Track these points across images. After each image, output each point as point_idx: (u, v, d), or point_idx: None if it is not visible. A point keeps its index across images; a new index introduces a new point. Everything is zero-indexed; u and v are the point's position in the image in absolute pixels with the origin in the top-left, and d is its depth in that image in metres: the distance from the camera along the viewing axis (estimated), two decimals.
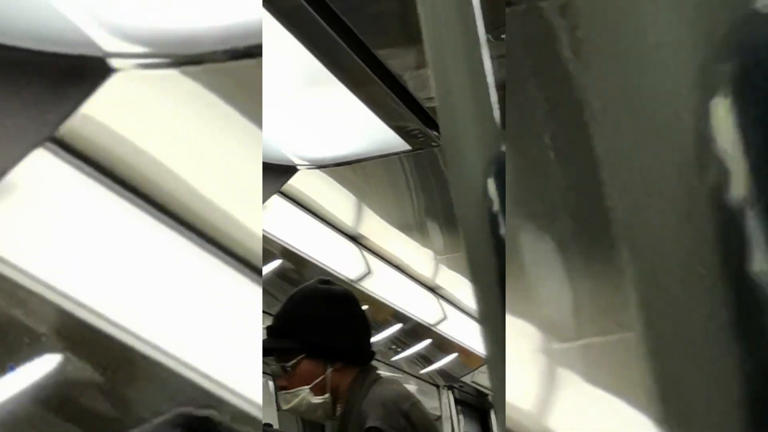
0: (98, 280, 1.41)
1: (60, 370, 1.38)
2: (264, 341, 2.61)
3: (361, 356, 2.60)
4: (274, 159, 3.27)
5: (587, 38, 1.19)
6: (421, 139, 3.24)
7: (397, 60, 2.70)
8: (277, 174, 3.42)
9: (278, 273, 4.19)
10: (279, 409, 4.18)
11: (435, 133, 3.16)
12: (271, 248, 3.91)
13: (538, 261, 1.52)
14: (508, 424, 1.61)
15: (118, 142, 1.40)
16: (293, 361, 2.53)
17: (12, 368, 1.39)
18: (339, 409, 2.53)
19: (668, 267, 1.23)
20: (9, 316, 1.36)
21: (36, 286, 1.36)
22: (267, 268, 4.15)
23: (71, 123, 1.31)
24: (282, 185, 3.50)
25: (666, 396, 1.28)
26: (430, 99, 2.90)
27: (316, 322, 2.54)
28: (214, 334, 1.45)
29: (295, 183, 3.42)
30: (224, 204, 1.46)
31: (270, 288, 4.42)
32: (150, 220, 1.40)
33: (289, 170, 3.40)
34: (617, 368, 1.58)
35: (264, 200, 3.50)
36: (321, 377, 2.51)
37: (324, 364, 2.52)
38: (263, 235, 3.85)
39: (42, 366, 1.39)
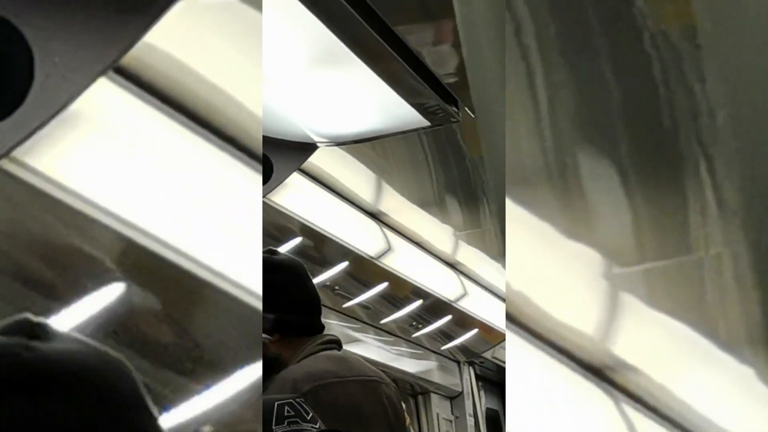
0: (161, 207, 1.41)
1: (123, 299, 1.38)
2: None
3: (299, 328, 2.47)
4: (293, 136, 3.27)
5: None
6: (440, 115, 3.23)
7: (414, 36, 2.70)
8: (296, 152, 3.42)
9: (298, 251, 4.18)
10: None
11: (454, 108, 3.16)
12: (291, 226, 3.90)
13: (599, 185, 1.53)
14: (572, 349, 1.62)
15: (181, 71, 1.40)
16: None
17: None
18: None
19: None
20: (73, 245, 1.37)
21: (100, 215, 1.36)
22: (287, 246, 4.15)
23: (134, 52, 1.32)
24: (302, 163, 3.49)
25: None
26: (449, 75, 2.90)
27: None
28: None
29: (314, 160, 3.41)
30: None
31: None
32: (212, 148, 1.41)
33: (309, 148, 3.40)
34: (679, 292, 1.58)
35: (284, 178, 3.50)
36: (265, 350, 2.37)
37: (266, 336, 2.39)
38: (283, 213, 3.87)
39: (106, 295, 1.39)
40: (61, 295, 1.35)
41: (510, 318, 1.52)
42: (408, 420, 2.66)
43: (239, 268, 1.42)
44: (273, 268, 2.52)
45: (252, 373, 1.49)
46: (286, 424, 1.85)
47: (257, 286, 1.43)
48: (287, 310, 2.47)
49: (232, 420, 1.46)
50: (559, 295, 1.56)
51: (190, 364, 1.41)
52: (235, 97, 1.41)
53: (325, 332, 2.54)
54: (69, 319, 1.36)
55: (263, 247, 4.22)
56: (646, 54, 1.38)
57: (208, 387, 1.43)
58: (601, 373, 1.56)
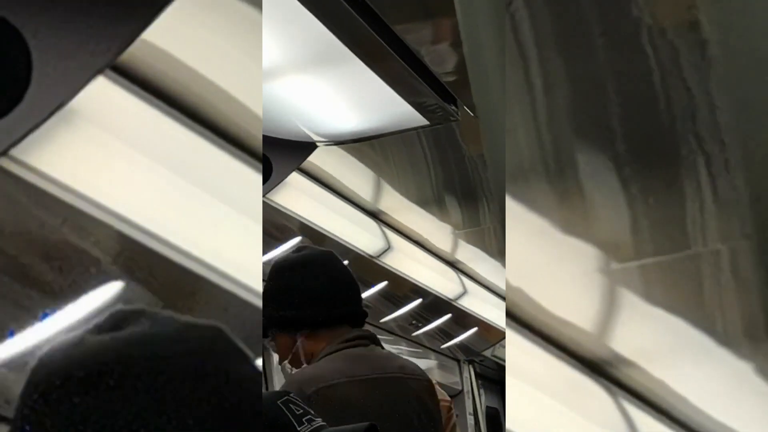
0: (160, 205, 1.41)
1: (120, 298, 1.39)
2: None
3: (327, 319, 2.46)
4: (292, 136, 3.27)
5: None
6: (439, 113, 3.23)
7: (413, 35, 2.70)
8: (296, 151, 3.41)
9: (297, 250, 4.17)
10: None
11: (453, 107, 3.15)
12: (291, 225, 3.91)
13: (596, 181, 1.53)
14: (570, 344, 1.62)
15: (178, 68, 1.41)
16: (269, 337, 2.47)
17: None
18: None
19: None
20: (71, 243, 1.37)
21: (98, 213, 1.36)
22: (286, 245, 4.15)
23: (131, 50, 1.32)
24: (301, 162, 3.48)
25: None
26: (448, 74, 2.91)
27: (276, 294, 2.45)
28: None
29: (314, 160, 3.42)
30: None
31: None
32: (210, 147, 1.41)
33: (308, 147, 3.39)
34: (677, 287, 1.59)
35: (283, 177, 3.49)
36: (294, 348, 2.44)
37: (293, 334, 2.44)
38: (283, 212, 3.87)
39: (102, 293, 1.39)
40: (59, 293, 1.35)
41: (509, 315, 1.53)
42: (448, 415, 2.61)
43: (239, 265, 1.42)
44: (292, 265, 2.53)
45: None
46: (306, 423, 1.85)
47: (257, 284, 1.44)
48: (311, 305, 2.46)
49: None
50: (556, 290, 1.56)
51: None
52: (235, 95, 1.42)
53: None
54: (67, 317, 1.37)
55: (263, 246, 4.22)
56: (643, 50, 1.38)
57: None
58: (598, 368, 1.56)
